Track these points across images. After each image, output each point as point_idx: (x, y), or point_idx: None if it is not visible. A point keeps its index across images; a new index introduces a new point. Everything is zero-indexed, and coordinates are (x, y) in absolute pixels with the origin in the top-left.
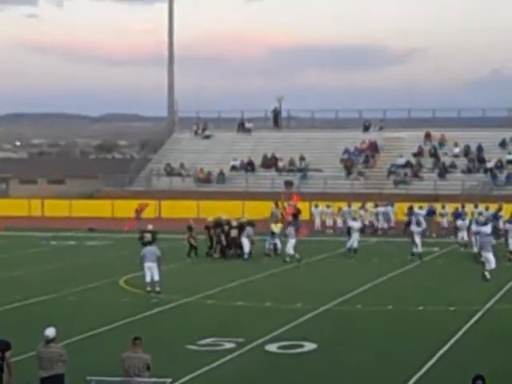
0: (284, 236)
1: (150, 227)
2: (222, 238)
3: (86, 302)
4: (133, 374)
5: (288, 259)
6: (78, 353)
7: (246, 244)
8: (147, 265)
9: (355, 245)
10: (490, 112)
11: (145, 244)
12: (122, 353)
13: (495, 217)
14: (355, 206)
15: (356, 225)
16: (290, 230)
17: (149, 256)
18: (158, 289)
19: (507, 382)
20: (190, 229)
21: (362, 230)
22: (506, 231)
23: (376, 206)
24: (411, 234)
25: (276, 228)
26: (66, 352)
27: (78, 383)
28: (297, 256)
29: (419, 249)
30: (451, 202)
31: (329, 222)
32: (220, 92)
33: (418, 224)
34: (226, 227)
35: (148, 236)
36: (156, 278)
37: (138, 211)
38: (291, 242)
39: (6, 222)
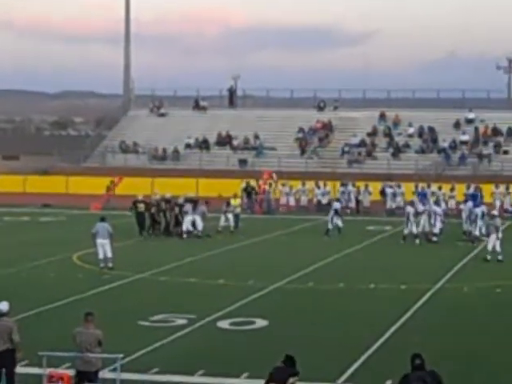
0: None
1: (140, 197)
2: (167, 215)
3: (40, 277)
4: (84, 350)
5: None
6: (30, 328)
7: (198, 221)
8: (99, 241)
9: (340, 224)
10: (444, 93)
11: (138, 214)
12: (74, 328)
13: (473, 196)
14: (309, 184)
15: (339, 205)
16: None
17: (101, 232)
18: (110, 265)
19: (455, 359)
20: (154, 205)
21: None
22: (460, 211)
23: (342, 185)
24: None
25: (234, 202)
26: (16, 326)
27: (30, 358)
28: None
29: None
30: (405, 182)
31: (282, 201)
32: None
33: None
34: (167, 205)
35: (141, 206)
36: (109, 254)
37: (111, 187)
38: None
39: None
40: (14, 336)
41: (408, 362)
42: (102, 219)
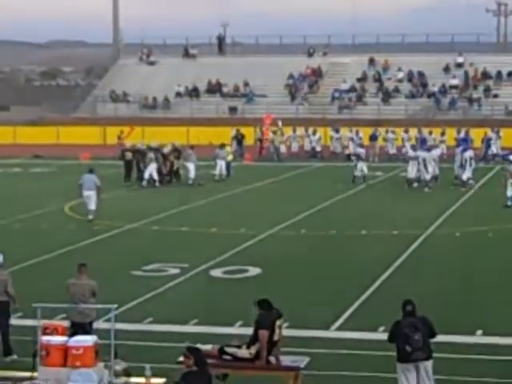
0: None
1: (128, 146)
2: (156, 163)
3: (32, 229)
4: (78, 301)
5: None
6: (24, 280)
7: (191, 169)
8: (86, 193)
9: (365, 171)
10: (433, 37)
11: (126, 162)
12: (67, 279)
13: (464, 140)
14: (299, 131)
15: (362, 151)
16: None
17: (87, 184)
18: (90, 217)
19: (447, 305)
20: (139, 153)
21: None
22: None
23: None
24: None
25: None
26: (11, 279)
27: (24, 310)
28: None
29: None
30: (395, 127)
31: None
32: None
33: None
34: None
35: (129, 154)
36: (92, 206)
37: (122, 137)
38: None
39: None
40: (9, 288)
41: (400, 308)
42: (90, 171)
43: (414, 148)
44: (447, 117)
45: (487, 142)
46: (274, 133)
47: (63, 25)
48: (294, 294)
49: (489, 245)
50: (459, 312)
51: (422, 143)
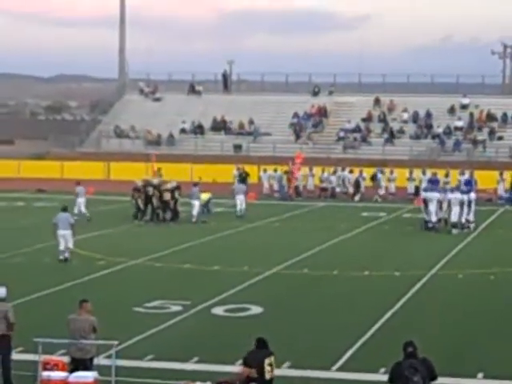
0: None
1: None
2: (154, 200)
3: (34, 263)
4: (78, 337)
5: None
6: (25, 314)
7: (195, 206)
8: (61, 232)
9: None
10: (439, 78)
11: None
12: (69, 315)
13: (469, 182)
14: (303, 170)
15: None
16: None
17: (62, 223)
18: (66, 255)
19: (448, 346)
20: (138, 190)
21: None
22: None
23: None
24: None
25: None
26: (12, 313)
27: (25, 345)
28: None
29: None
30: (399, 168)
31: (276, 187)
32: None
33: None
34: (152, 190)
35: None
36: (70, 245)
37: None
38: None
39: None
40: (11, 319)
41: (401, 350)
42: (64, 209)
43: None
44: (451, 158)
45: None
46: (286, 172)
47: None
48: (295, 334)
49: (491, 287)
50: (460, 354)
51: (434, 184)
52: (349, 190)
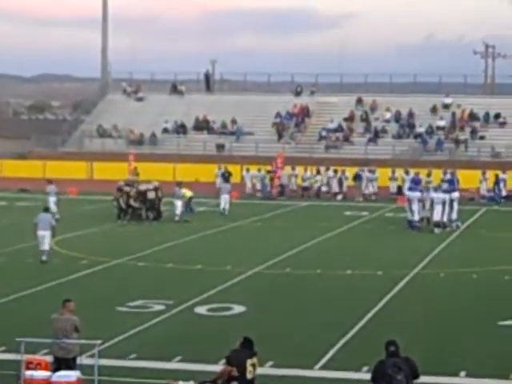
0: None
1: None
2: (133, 200)
3: (17, 263)
4: (61, 336)
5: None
6: (7, 314)
7: (178, 205)
8: (40, 233)
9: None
10: (421, 78)
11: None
12: (51, 314)
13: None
14: (285, 170)
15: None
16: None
17: (42, 224)
18: (44, 258)
19: (431, 345)
20: (120, 190)
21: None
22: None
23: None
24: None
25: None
26: None
27: (7, 344)
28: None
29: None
30: (381, 167)
31: (258, 186)
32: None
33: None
34: (133, 189)
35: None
36: (46, 247)
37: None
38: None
39: None
40: None
41: (384, 348)
42: (46, 209)
43: (435, 189)
44: (434, 158)
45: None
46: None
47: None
48: (277, 333)
49: (473, 286)
50: (443, 353)
51: (416, 184)
52: (332, 189)
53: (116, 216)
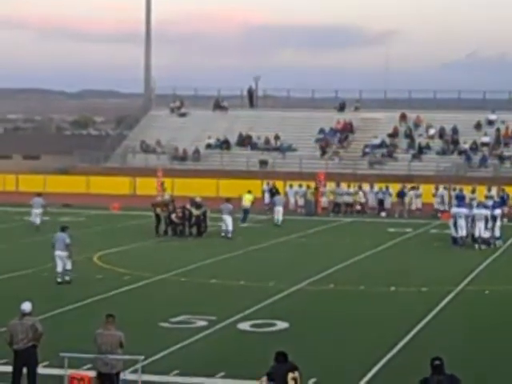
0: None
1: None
2: (173, 216)
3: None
4: (105, 352)
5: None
6: (51, 329)
7: (228, 221)
8: (57, 253)
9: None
10: (465, 94)
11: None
12: (95, 330)
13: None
14: (329, 185)
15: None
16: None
17: (58, 244)
18: (67, 278)
19: (476, 363)
20: (158, 205)
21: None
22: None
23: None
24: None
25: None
26: (40, 324)
27: (51, 359)
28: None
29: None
30: (425, 183)
31: (301, 202)
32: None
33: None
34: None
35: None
36: (68, 266)
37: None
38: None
39: None
40: (37, 325)
41: (427, 366)
42: (62, 229)
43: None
44: (478, 174)
45: None
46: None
47: (95, 74)
48: (321, 350)
49: None
50: (487, 371)
51: (460, 200)
52: (376, 205)
53: (155, 231)
